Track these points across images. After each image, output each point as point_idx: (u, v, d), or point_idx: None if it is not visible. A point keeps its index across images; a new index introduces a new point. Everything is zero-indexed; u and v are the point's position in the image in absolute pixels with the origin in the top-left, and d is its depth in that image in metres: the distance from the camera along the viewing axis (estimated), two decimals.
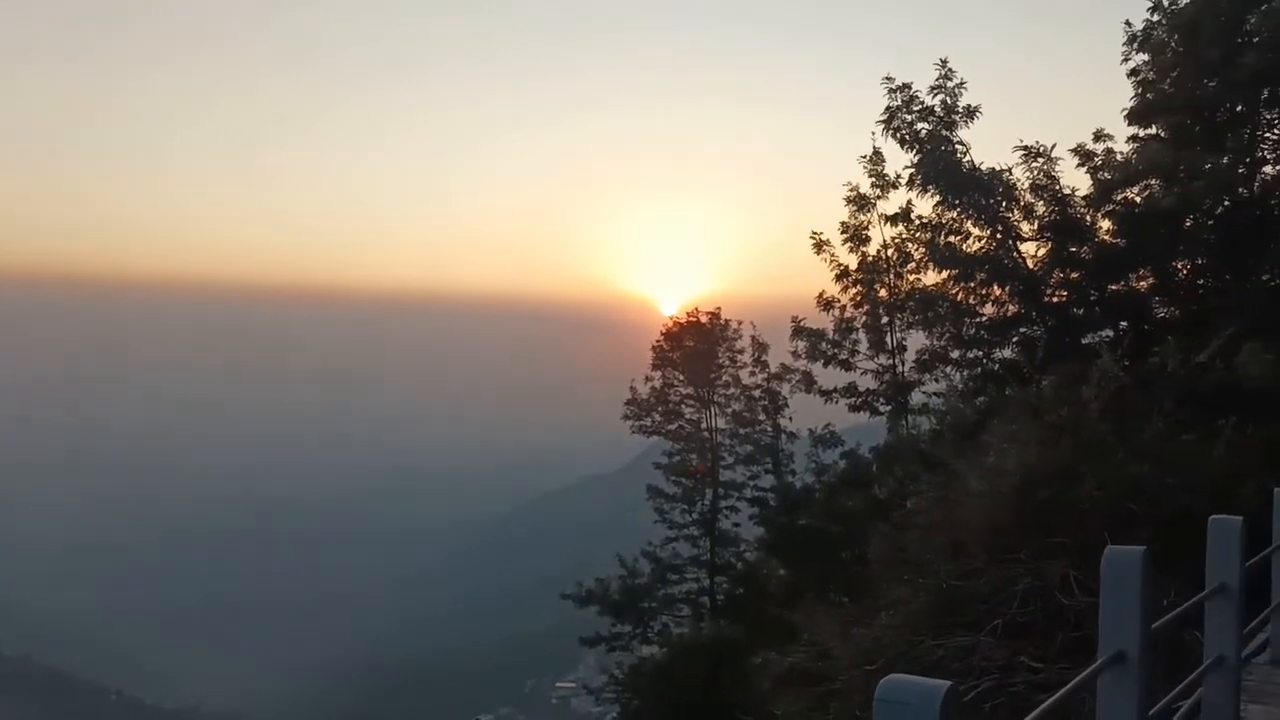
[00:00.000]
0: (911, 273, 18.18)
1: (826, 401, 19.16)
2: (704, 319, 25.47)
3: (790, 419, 23.97)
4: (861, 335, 19.00)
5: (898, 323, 18.67)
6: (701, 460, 24.86)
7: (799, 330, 19.76)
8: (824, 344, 19.31)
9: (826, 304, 19.25)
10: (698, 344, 25.16)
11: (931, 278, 15.95)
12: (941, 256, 14.80)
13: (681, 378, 25.45)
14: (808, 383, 20.13)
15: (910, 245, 17.85)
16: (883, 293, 18.68)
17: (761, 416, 24.43)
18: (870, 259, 18.68)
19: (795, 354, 20.28)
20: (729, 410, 24.77)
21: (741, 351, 25.38)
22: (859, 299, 18.87)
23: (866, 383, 18.88)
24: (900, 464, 15.16)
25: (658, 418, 25.11)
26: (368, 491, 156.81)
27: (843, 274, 18.91)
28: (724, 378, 25.38)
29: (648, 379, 25.44)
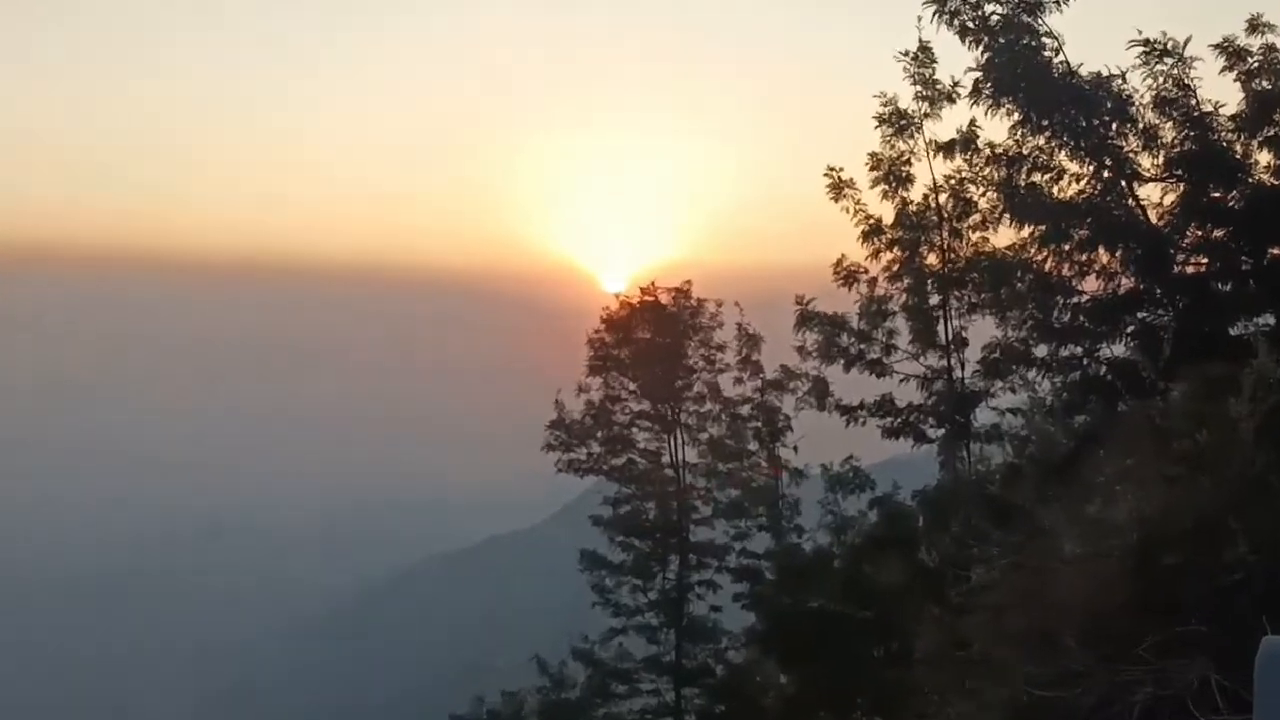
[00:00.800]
0: (975, 229, 18.98)
1: (850, 423, 20.06)
2: (665, 298, 25.97)
3: (795, 449, 24.84)
4: (901, 322, 19.66)
5: (954, 304, 19.41)
6: (663, 512, 25.77)
7: (807, 317, 20.41)
8: (845, 336, 19.99)
9: (848, 276, 19.97)
10: (657, 336, 25.81)
11: (1006, 237, 16.62)
12: (1021, 205, 15.36)
13: (633, 388, 26.19)
14: (821, 395, 20.87)
15: (974, 188, 18.54)
16: (932, 258, 19.35)
17: (753, 445, 25.28)
18: (914, 208, 19.35)
19: (802, 351, 20.87)
20: (704, 436, 25.63)
21: (722, 348, 26.04)
22: (897, 267, 19.51)
23: (908, 394, 19.56)
24: (959, 516, 15.31)
25: (596, 448, 25.94)
26: (144, 555, 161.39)
27: (873, 231, 19.50)
28: (696, 387, 26.13)
29: (581, 389, 26.12)
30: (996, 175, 16.18)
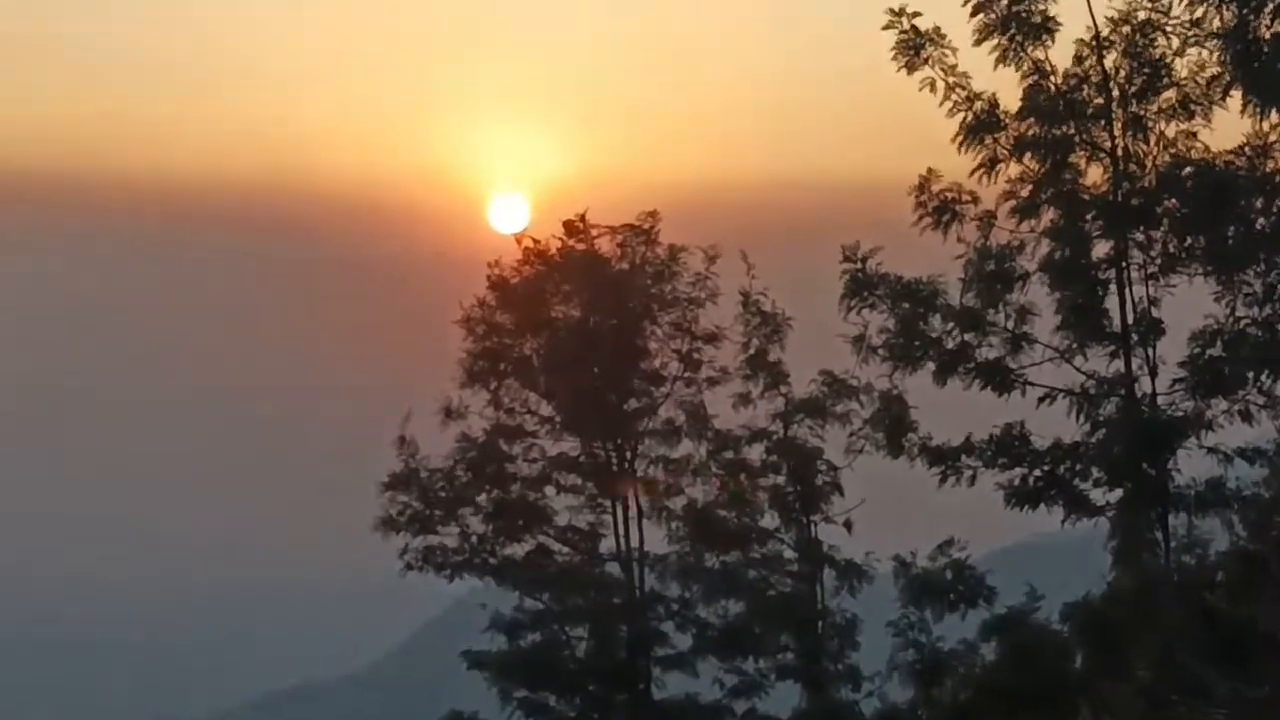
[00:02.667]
0: (1173, 116, 20.04)
1: (947, 477, 20.94)
2: (606, 242, 26.01)
3: (848, 526, 24.90)
4: (1039, 292, 20.40)
5: (1138, 258, 20.25)
6: (604, 644, 25.38)
7: (867, 282, 21.00)
8: (936, 319, 20.69)
9: (943, 208, 20.63)
10: (592, 313, 25.75)
11: (1231, 131, 18.23)
12: (1268, 74, 16.54)
13: (547, 410, 25.77)
14: (894, 426, 21.46)
15: (1169, 40, 19.78)
16: (1094, 173, 20.24)
17: (769, 519, 25.00)
18: (1058, 80, 20.27)
19: (859, 346, 21.50)
20: (678, 503, 25.28)
21: (714, 338, 25.84)
22: (1029, 191, 20.27)
23: (1053, 423, 20.49)
24: (1152, 647, 16.69)
25: (477, 525, 25.53)
26: None
27: (983, 123, 20.36)
28: (665, 410, 25.73)
29: (449, 413, 25.70)
30: (1218, 18, 17.36)
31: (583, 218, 26.12)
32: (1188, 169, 19.60)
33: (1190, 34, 19.33)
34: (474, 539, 25.73)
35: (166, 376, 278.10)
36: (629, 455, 25.79)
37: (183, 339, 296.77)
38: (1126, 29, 19.98)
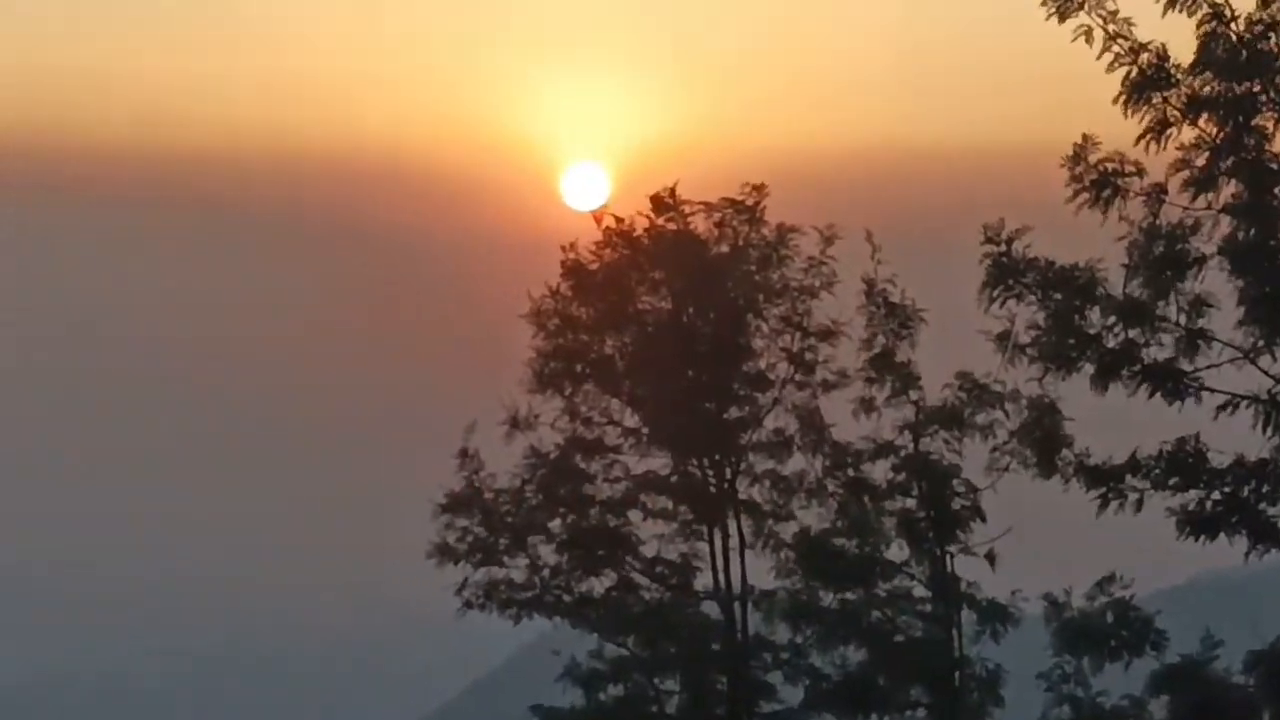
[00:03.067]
0: None
1: (1108, 501, 20.30)
2: (702, 221, 25.37)
3: (990, 559, 24.10)
4: (1218, 280, 20.06)
5: None
6: (697, 694, 25.08)
7: (1012, 268, 20.76)
8: (1096, 313, 20.29)
9: (1103, 181, 20.15)
10: (686, 305, 25.30)
11: None
12: None
13: (631, 421, 25.33)
14: (1046, 440, 21.01)
15: None
16: None
17: (895, 549, 24.35)
18: (1240, 26, 19.54)
19: (1003, 345, 21.11)
20: (788, 529, 24.81)
21: (830, 334, 25.27)
22: (1205, 160, 19.59)
23: (1237, 437, 20.17)
24: None
25: (549, 557, 25.21)
26: None
27: (1151, 79, 19.86)
28: (773, 417, 25.16)
29: (515, 422, 25.20)
30: None
31: (673, 191, 25.34)
32: None
33: None
34: (545, 572, 25.21)
35: (184, 377, 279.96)
36: (729, 473, 25.14)
37: (208, 334, 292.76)
38: None
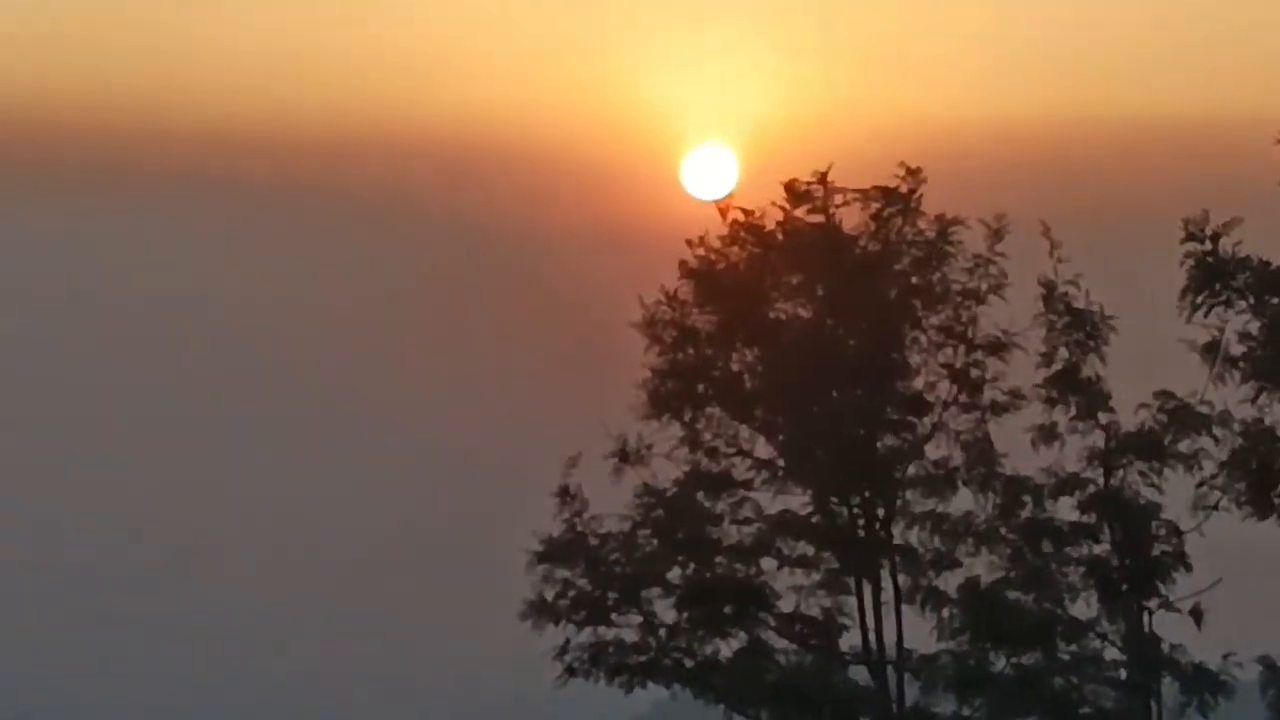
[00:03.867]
0: None
1: None
2: (855, 211, 24.77)
3: (1196, 615, 23.71)
4: None
5: None
6: None
7: (1216, 270, 21.02)
8: None
9: None
10: (828, 309, 24.84)
11: None
12: None
13: (764, 453, 24.86)
14: (1263, 469, 21.67)
15: None
16: None
17: (1085, 606, 24.12)
18: None
19: (1213, 354, 21.65)
20: (943, 588, 24.38)
21: (1000, 346, 24.64)
22: None
23: None
24: None
25: (666, 614, 24.78)
26: None
27: None
28: (935, 445, 24.59)
29: (627, 456, 24.78)
30: None
31: (823, 177, 24.65)
32: None
33: None
34: (662, 632, 24.73)
35: (241, 392, 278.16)
36: (882, 513, 24.65)
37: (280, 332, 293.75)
38: None
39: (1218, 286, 20.68)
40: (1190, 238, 20.75)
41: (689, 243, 25.09)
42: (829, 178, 24.98)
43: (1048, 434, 23.87)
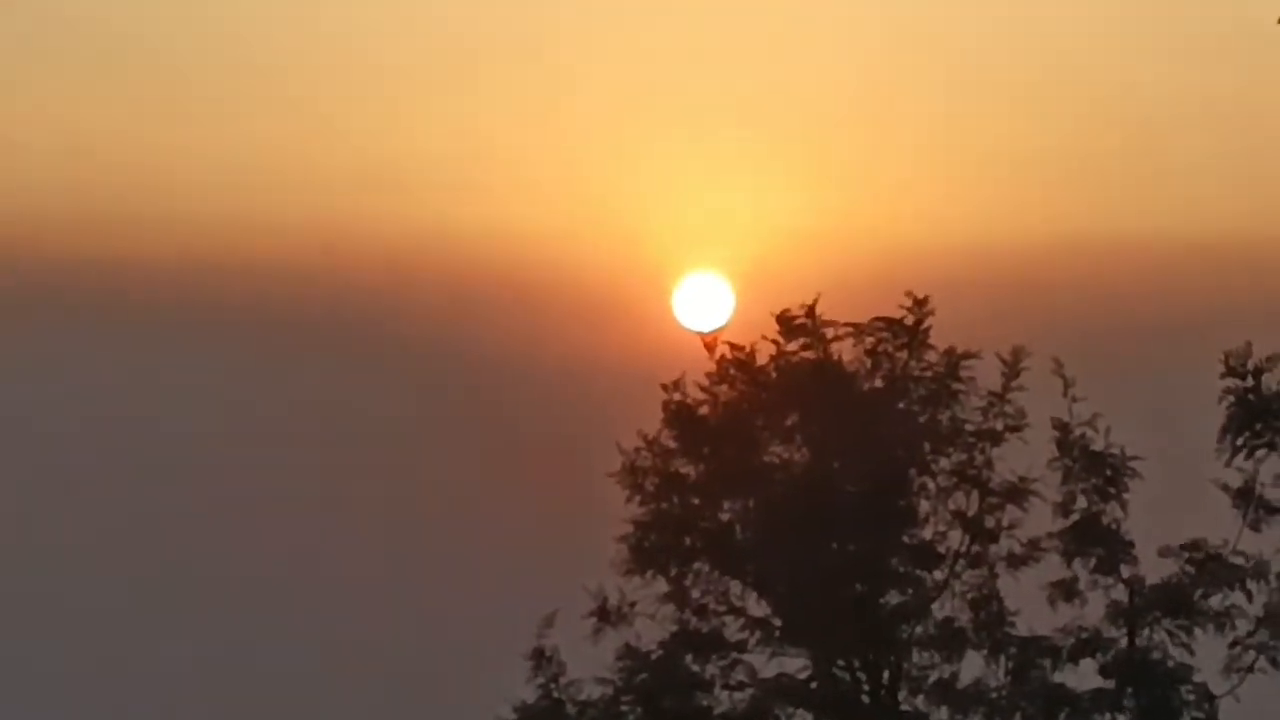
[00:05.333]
0: None
1: None
2: (843, 336, 24.35)
3: None
4: None
5: None
6: None
7: (1258, 409, 21.14)
8: None
9: None
10: (827, 452, 24.00)
11: None
12: None
13: (758, 610, 24.23)
14: None
15: None
16: None
17: None
18: None
19: (1247, 500, 21.40)
20: None
21: (1016, 493, 23.77)
22: None
23: None
24: None
25: None
26: None
27: None
28: (938, 605, 24.13)
29: (607, 616, 23.90)
30: None
31: (810, 309, 23.45)
32: None
33: None
34: None
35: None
36: (887, 678, 23.19)
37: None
38: None
39: (1260, 427, 20.20)
40: (1230, 373, 20.15)
41: (664, 387, 24.04)
42: (818, 309, 23.76)
43: (1066, 590, 22.71)
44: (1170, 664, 22.15)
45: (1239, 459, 20.44)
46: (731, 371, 23.72)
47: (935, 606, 23.40)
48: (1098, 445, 22.65)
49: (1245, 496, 20.71)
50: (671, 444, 23.72)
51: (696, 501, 23.72)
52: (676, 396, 23.84)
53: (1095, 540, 22.29)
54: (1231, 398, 20.16)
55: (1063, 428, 22.66)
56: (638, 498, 23.51)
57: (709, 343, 23.93)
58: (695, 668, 23.27)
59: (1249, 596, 21.22)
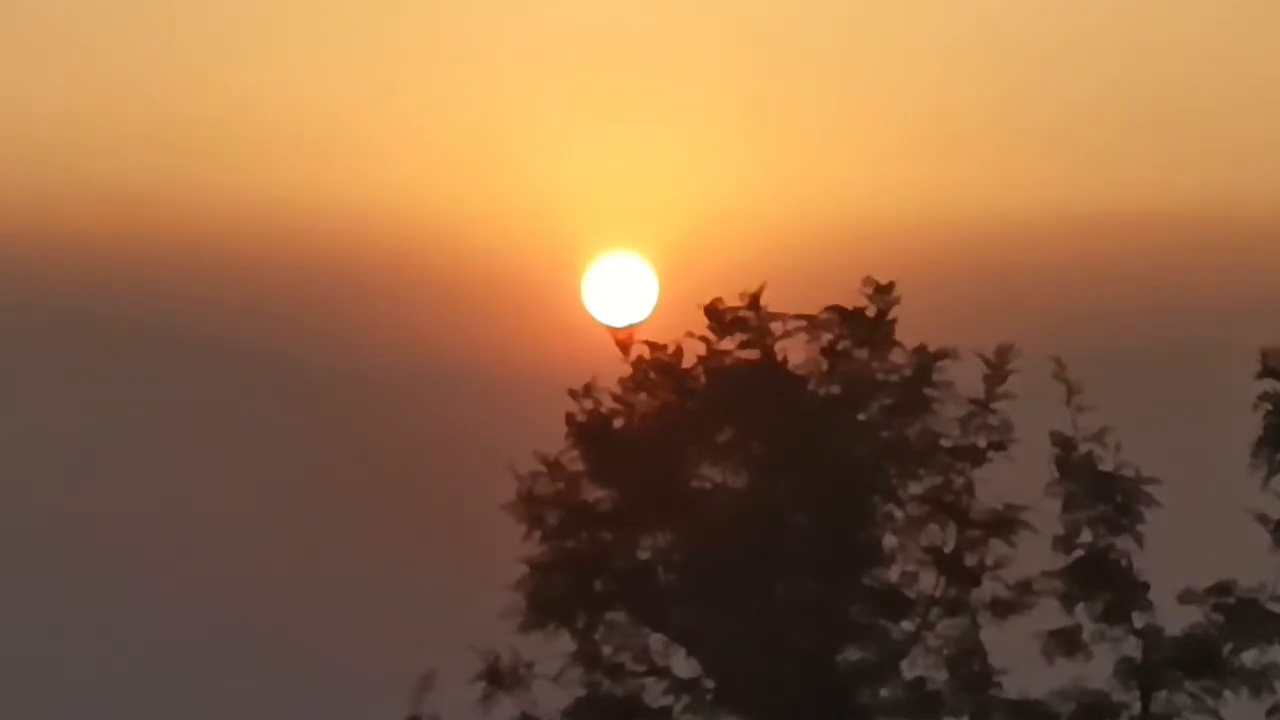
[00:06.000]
0: None
1: None
2: (791, 332, 22.19)
3: None
4: None
5: None
6: None
7: None
8: None
9: None
10: (770, 475, 22.26)
11: None
12: None
13: (687, 668, 22.32)
14: None
15: None
16: None
17: None
18: None
19: None
20: None
21: (1006, 527, 21.64)
22: None
23: None
24: None
25: None
26: None
27: None
28: (907, 663, 22.11)
29: (499, 680, 21.59)
30: None
31: (755, 299, 21.22)
32: None
33: None
34: None
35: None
36: None
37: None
38: None
39: None
40: (1269, 373, 18.70)
41: (573, 393, 21.42)
42: (768, 299, 21.41)
43: (1068, 644, 20.08)
44: None
45: (1277, 480, 18.90)
46: (652, 376, 21.25)
47: (904, 664, 20.85)
48: (1107, 465, 20.19)
49: None
50: (579, 466, 21.23)
51: (609, 537, 21.27)
52: (586, 405, 21.18)
53: (1102, 582, 20.02)
54: (1269, 405, 18.72)
55: (1064, 443, 20.14)
56: (538, 533, 20.86)
57: (624, 341, 21.46)
58: None
59: None
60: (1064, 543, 20.27)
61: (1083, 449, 20.25)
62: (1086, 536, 20.22)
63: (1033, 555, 21.13)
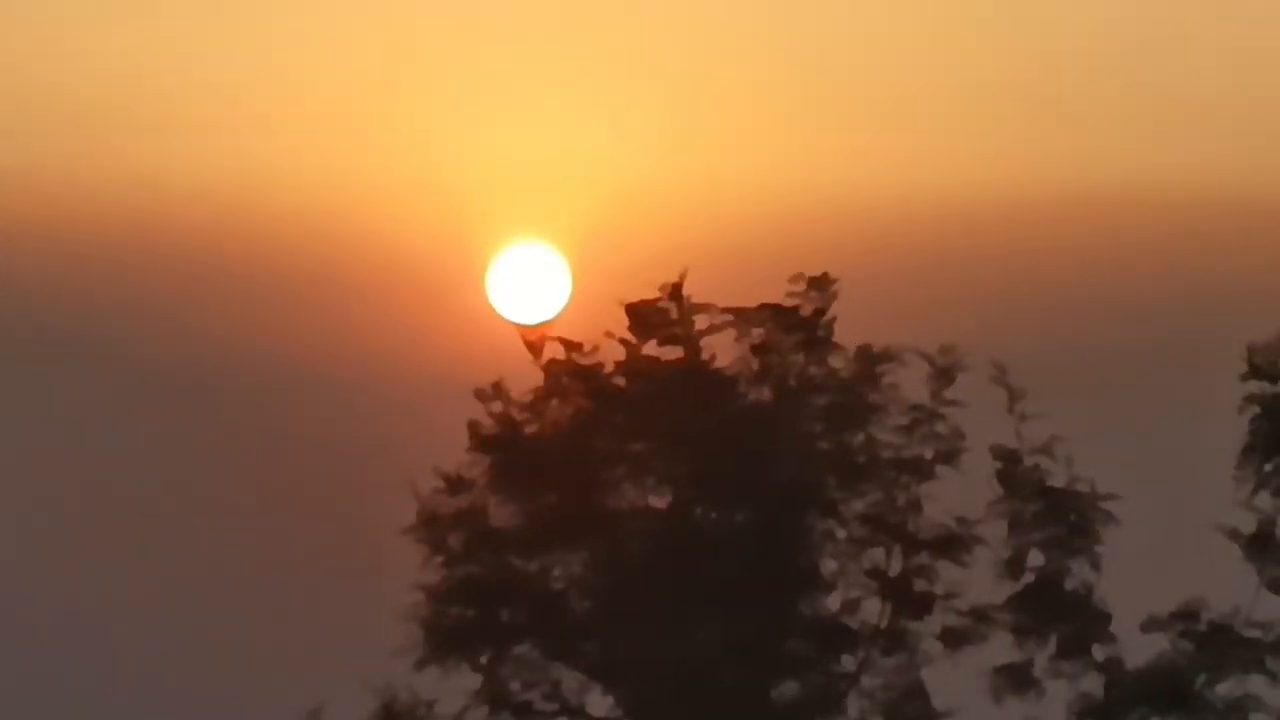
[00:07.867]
0: None
1: None
2: (718, 328, 21.37)
3: None
4: None
5: None
6: None
7: None
8: None
9: None
10: (695, 491, 21.66)
11: None
12: None
13: (603, 708, 21.79)
14: None
15: None
16: None
17: None
18: None
19: (1262, 548, 19.77)
20: None
21: (956, 547, 20.96)
22: None
23: None
24: None
25: None
26: None
27: None
28: (851, 701, 21.56)
29: (395, 718, 21.01)
30: None
31: (676, 289, 20.40)
32: None
33: None
34: None
35: None
36: None
37: None
38: None
39: None
40: (1254, 372, 18.04)
41: (479, 393, 20.43)
42: (685, 291, 20.59)
43: (1020, 680, 19.35)
44: None
45: (1272, 494, 18.11)
46: (565, 380, 20.58)
47: (853, 703, 20.21)
48: (1057, 480, 19.55)
49: (1262, 546, 18.27)
50: (483, 483, 20.25)
51: (517, 562, 20.54)
52: (494, 410, 20.31)
53: (1056, 611, 19.41)
54: (1257, 407, 18.00)
55: (1007, 457, 19.54)
56: (438, 558, 20.12)
57: (535, 341, 20.60)
58: None
59: (1274, 677, 18.61)
60: (1011, 568, 19.42)
61: (1028, 462, 19.62)
62: (1036, 560, 19.46)
63: (988, 579, 19.96)
